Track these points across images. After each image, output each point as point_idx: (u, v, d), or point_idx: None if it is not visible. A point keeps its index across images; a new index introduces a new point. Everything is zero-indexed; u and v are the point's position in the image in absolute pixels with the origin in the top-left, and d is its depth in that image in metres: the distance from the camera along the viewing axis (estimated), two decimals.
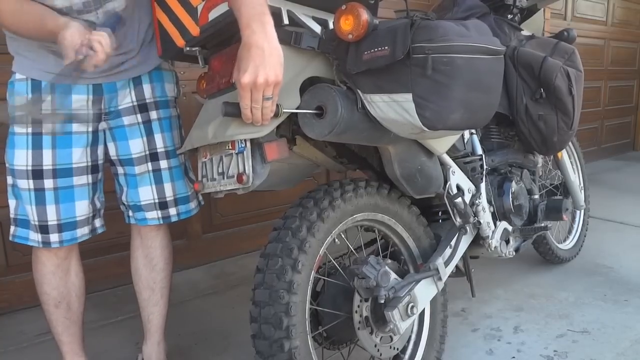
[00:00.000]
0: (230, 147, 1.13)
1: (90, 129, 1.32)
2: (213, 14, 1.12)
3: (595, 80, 4.81)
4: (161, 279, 1.51)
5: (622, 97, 5.31)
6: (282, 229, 1.19)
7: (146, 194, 1.40)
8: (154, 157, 1.39)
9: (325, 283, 1.33)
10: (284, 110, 1.07)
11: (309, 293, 1.19)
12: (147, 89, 1.37)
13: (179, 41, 1.23)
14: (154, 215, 1.42)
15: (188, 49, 1.23)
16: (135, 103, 1.35)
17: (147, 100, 1.37)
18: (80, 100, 1.28)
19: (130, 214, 1.45)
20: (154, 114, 1.38)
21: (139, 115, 1.36)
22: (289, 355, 1.12)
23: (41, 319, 1.43)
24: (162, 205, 1.42)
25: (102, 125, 1.35)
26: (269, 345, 1.13)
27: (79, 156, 1.30)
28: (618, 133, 5.37)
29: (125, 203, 1.44)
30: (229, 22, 1.10)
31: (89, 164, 1.33)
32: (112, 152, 1.38)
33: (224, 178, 1.16)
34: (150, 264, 1.49)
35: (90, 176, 1.34)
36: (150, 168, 1.39)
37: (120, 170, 1.41)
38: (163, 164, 1.40)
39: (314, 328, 1.27)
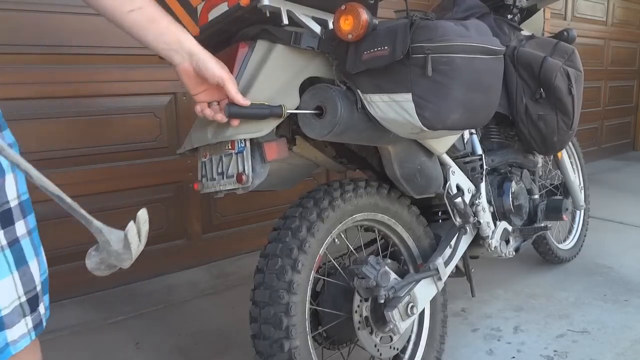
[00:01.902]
0: (229, 147, 1.13)
1: None
2: (213, 14, 1.12)
3: (595, 80, 4.81)
4: None
5: (622, 97, 5.31)
6: (282, 229, 1.19)
7: (8, 292, 0.72)
8: (6, 218, 0.73)
9: (325, 283, 1.33)
10: (287, 111, 1.07)
11: (309, 293, 1.19)
12: None
13: None
14: (22, 328, 0.74)
15: None
16: None
17: None
18: None
19: None
20: None
21: None
22: (288, 355, 1.12)
23: None
24: (32, 302, 0.76)
25: None
26: (269, 345, 1.13)
27: None
28: (618, 133, 5.37)
29: None
30: (229, 22, 1.10)
31: None
32: None
33: (223, 178, 1.16)
34: None
35: None
36: (4, 241, 0.72)
37: None
38: (20, 227, 0.75)
39: (313, 328, 1.27)
